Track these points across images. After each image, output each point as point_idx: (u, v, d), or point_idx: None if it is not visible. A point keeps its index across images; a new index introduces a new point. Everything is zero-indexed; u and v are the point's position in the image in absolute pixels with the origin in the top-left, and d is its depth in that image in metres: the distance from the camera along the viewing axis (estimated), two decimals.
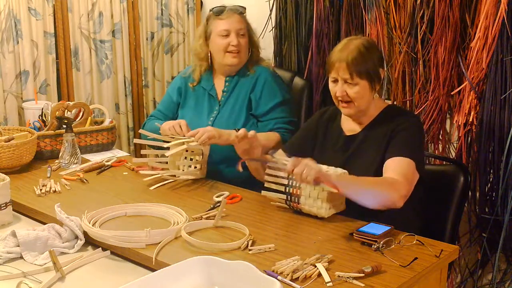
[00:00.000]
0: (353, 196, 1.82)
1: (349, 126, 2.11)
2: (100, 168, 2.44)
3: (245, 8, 2.65)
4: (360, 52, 1.98)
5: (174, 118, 2.68)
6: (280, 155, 1.98)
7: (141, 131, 2.46)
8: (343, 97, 2.00)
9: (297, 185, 1.90)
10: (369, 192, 1.83)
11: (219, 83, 2.66)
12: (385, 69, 2.07)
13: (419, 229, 1.91)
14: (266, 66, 2.66)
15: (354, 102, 2.00)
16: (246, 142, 2.08)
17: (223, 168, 2.45)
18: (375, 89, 2.02)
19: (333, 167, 1.91)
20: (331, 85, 2.04)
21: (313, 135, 2.18)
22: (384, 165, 1.95)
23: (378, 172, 1.95)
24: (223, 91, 2.64)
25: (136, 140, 2.49)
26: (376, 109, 2.07)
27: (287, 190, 1.93)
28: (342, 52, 1.99)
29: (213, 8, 2.64)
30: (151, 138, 2.39)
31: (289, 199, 1.93)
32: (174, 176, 2.28)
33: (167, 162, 2.30)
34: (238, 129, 2.40)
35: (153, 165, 2.33)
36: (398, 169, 1.90)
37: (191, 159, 2.32)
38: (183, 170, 2.31)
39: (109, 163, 2.48)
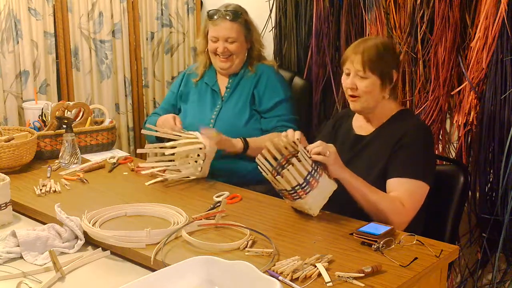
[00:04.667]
0: (355, 196, 1.89)
1: (360, 125, 2.12)
2: (101, 168, 2.45)
3: (241, 13, 2.60)
4: (377, 48, 1.99)
5: (176, 110, 2.72)
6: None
7: (143, 131, 2.44)
8: (352, 90, 2.01)
9: (318, 177, 1.86)
10: (372, 205, 1.87)
11: (223, 80, 2.68)
12: (399, 72, 2.07)
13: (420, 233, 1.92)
14: (269, 65, 2.68)
15: (362, 96, 2.00)
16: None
17: (224, 165, 2.46)
18: (385, 89, 2.01)
19: None
20: (343, 78, 2.06)
21: (331, 137, 2.19)
22: (390, 183, 1.94)
23: (377, 178, 1.95)
24: (226, 87, 2.66)
25: (144, 131, 2.41)
26: (389, 111, 2.06)
27: (308, 178, 1.84)
28: (359, 46, 2.02)
29: (209, 10, 2.65)
30: (153, 138, 2.38)
31: (303, 185, 1.85)
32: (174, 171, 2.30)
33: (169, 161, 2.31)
34: (244, 139, 2.43)
35: (155, 166, 2.33)
36: (406, 193, 1.90)
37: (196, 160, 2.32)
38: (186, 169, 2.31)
39: (114, 160, 2.50)
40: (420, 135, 2.00)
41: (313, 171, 1.85)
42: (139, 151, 2.39)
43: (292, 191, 1.86)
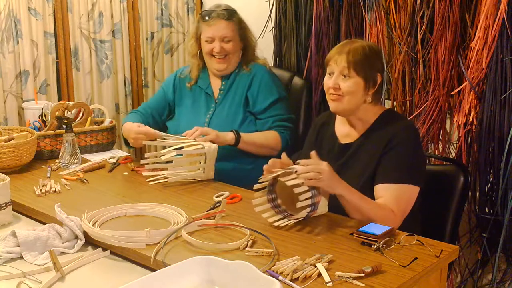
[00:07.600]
0: (346, 207, 1.88)
1: (344, 132, 2.09)
2: (101, 168, 2.45)
3: (235, 12, 2.61)
4: (363, 49, 1.98)
5: (163, 112, 2.71)
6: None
7: (142, 161, 2.33)
8: (335, 90, 1.98)
9: (317, 193, 1.84)
10: (363, 215, 1.86)
11: (216, 82, 2.67)
12: (383, 76, 2.05)
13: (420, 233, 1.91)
14: (262, 64, 2.67)
15: (345, 96, 1.97)
16: None
17: (222, 165, 2.45)
18: (368, 92, 1.98)
19: None
20: (325, 79, 2.02)
21: (315, 144, 2.17)
22: (377, 189, 1.93)
23: (365, 185, 1.94)
24: (219, 90, 2.65)
25: (143, 161, 2.32)
26: (373, 115, 2.03)
27: (313, 201, 1.83)
28: (344, 47, 2.00)
29: (202, 11, 2.64)
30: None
31: (313, 208, 1.84)
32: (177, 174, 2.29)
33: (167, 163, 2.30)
34: (236, 130, 2.43)
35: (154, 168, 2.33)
36: (394, 199, 1.89)
37: (199, 162, 2.31)
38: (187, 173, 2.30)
39: (114, 160, 2.50)
40: (407, 137, 1.96)
41: (313, 190, 1.83)
42: (142, 161, 2.36)
43: (306, 217, 1.87)
